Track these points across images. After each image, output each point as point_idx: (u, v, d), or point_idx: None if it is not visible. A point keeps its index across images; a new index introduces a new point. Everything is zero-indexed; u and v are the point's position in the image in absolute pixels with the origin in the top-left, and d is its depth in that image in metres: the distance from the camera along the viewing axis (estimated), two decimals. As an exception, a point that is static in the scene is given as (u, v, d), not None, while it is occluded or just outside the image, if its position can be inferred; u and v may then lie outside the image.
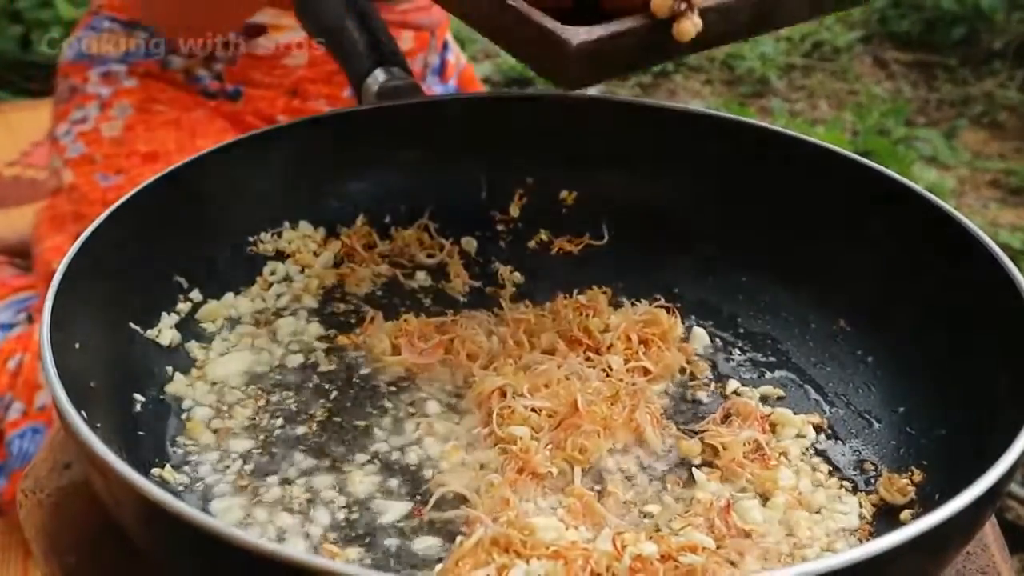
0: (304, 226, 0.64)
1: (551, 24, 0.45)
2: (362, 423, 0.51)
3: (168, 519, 0.34)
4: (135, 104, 1.04)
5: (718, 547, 0.42)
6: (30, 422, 0.94)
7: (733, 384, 0.55)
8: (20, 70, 2.00)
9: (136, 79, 1.05)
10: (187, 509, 0.34)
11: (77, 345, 0.47)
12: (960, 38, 2.42)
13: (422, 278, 0.62)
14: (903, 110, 2.15)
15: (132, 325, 0.54)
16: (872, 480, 0.49)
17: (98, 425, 0.42)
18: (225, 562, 0.34)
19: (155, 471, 0.47)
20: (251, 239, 0.62)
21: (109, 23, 1.07)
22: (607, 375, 0.53)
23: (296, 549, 0.42)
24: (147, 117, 1.03)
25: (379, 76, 0.66)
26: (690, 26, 0.45)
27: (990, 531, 0.51)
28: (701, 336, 0.58)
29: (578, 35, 0.44)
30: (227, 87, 1.04)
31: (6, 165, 1.67)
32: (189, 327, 0.57)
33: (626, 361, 0.54)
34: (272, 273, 0.61)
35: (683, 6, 0.44)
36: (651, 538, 0.42)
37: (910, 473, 0.48)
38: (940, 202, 0.56)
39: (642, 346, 0.55)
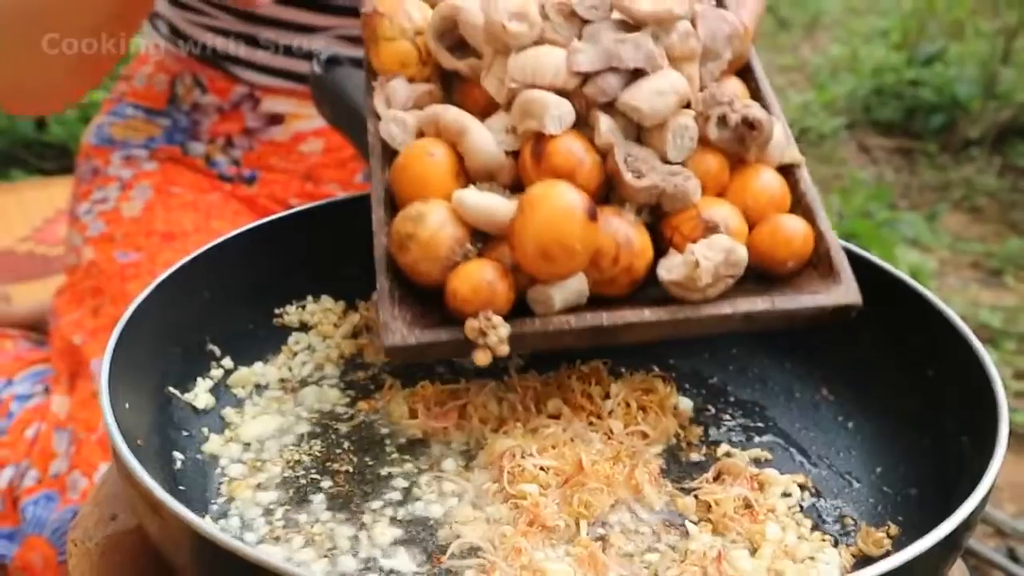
0: (325, 300, 0.69)
1: (383, 317, 0.53)
2: (382, 479, 0.56)
3: (227, 556, 0.38)
4: (154, 186, 1.08)
5: (712, 591, 0.46)
6: (44, 489, 0.96)
7: (724, 448, 0.59)
8: (35, 150, 2.07)
9: (156, 163, 1.10)
10: (244, 547, 0.38)
11: (127, 405, 0.52)
12: (939, 126, 2.52)
13: (435, 349, 0.67)
14: (886, 194, 2.22)
15: (171, 389, 0.59)
16: (852, 534, 0.53)
17: (147, 478, 0.46)
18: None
19: (195, 522, 0.51)
20: (277, 312, 0.67)
21: (132, 110, 1.12)
22: (608, 438, 0.57)
23: None
24: (165, 199, 1.07)
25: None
26: (484, 357, 0.51)
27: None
28: (686, 404, 0.62)
29: (393, 338, 0.52)
30: (244, 172, 1.09)
31: (19, 241, 1.72)
32: (222, 392, 0.61)
33: (625, 426, 0.58)
34: (297, 343, 0.66)
35: (481, 340, 0.51)
36: (651, 582, 0.46)
37: (887, 527, 0.53)
38: (915, 284, 0.61)
39: (640, 412, 0.60)
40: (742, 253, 0.53)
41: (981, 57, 2.63)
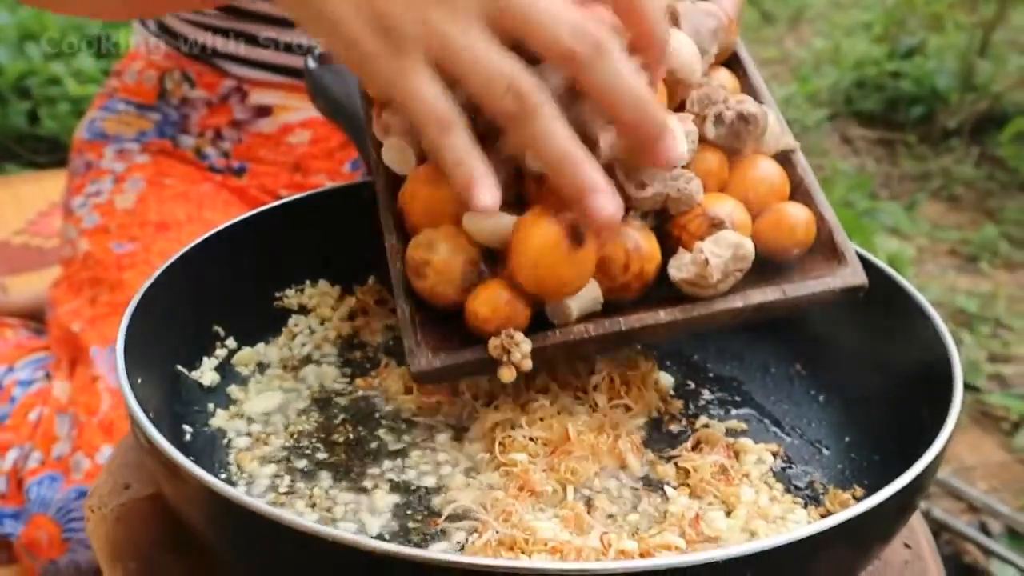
0: (323, 284, 0.72)
1: (409, 342, 0.55)
2: (379, 451, 0.59)
3: (243, 513, 0.41)
4: (147, 178, 1.10)
5: (689, 547, 0.50)
6: (48, 470, 0.98)
7: (702, 419, 0.62)
8: (28, 143, 2.09)
9: (148, 156, 1.12)
10: (260, 504, 0.41)
11: (139, 380, 0.55)
12: (919, 117, 2.56)
13: (428, 329, 0.70)
14: (867, 184, 2.26)
15: (179, 367, 0.62)
16: (820, 496, 0.57)
17: (161, 448, 0.49)
18: (291, 550, 0.41)
19: (205, 490, 0.54)
20: (277, 295, 0.70)
21: (124, 105, 1.15)
22: (594, 411, 0.60)
23: (366, 537, 0.46)
24: (158, 190, 1.10)
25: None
26: (509, 374, 0.53)
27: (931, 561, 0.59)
28: (667, 380, 0.66)
29: (419, 364, 0.54)
30: (233, 164, 1.12)
31: (14, 233, 1.74)
32: (227, 370, 0.65)
33: (610, 399, 0.61)
34: (296, 325, 0.69)
35: (505, 357, 0.53)
36: (632, 538, 0.49)
37: (853, 490, 0.56)
38: (883, 265, 0.64)
39: (624, 387, 0.62)
40: (749, 247, 0.54)
41: (959, 49, 2.67)
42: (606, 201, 0.49)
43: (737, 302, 0.55)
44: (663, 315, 0.55)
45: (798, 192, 0.59)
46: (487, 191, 0.49)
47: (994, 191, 2.27)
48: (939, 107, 2.53)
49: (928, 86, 2.57)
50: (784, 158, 0.60)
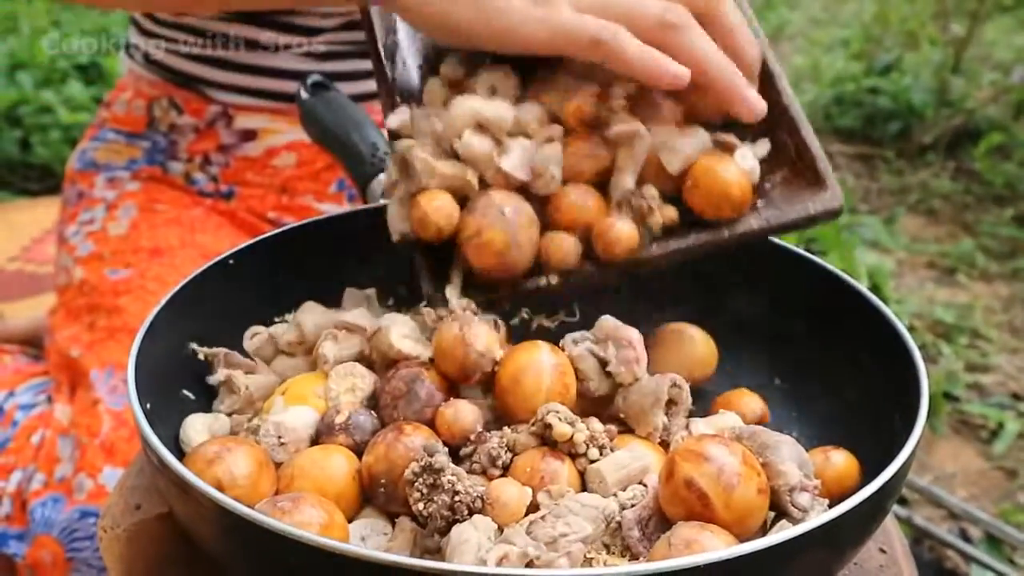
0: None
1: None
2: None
3: (256, 530, 0.44)
4: (138, 205, 1.12)
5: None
6: (51, 492, 1.00)
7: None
8: (20, 171, 2.10)
9: (139, 183, 1.15)
10: (274, 521, 0.44)
11: (148, 406, 0.57)
12: (896, 132, 2.60)
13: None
14: (847, 199, 2.30)
15: (184, 391, 0.64)
16: (799, 503, 0.60)
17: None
18: (302, 563, 0.44)
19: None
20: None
21: (114, 135, 1.17)
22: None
23: (377, 551, 0.47)
24: (150, 216, 1.11)
25: (383, 179, 0.77)
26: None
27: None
28: None
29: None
30: (222, 188, 1.15)
31: (8, 260, 1.76)
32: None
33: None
34: (294, 349, 0.72)
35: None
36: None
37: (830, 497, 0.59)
38: (855, 283, 0.66)
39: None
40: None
41: (934, 66, 2.72)
42: (757, 98, 0.59)
43: (723, 233, 0.59)
44: (656, 248, 0.59)
45: (784, 119, 0.61)
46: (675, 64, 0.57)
47: (970, 204, 2.31)
48: (915, 123, 2.58)
49: (904, 102, 2.62)
50: (767, 85, 0.61)
